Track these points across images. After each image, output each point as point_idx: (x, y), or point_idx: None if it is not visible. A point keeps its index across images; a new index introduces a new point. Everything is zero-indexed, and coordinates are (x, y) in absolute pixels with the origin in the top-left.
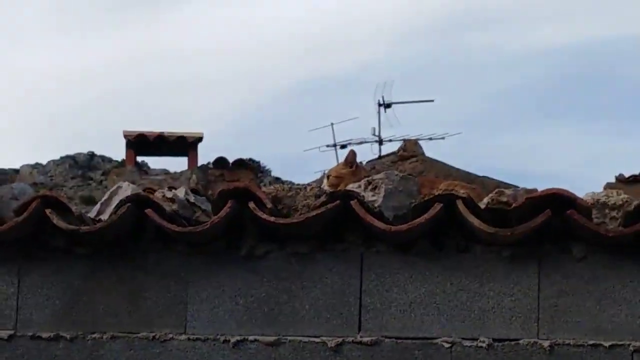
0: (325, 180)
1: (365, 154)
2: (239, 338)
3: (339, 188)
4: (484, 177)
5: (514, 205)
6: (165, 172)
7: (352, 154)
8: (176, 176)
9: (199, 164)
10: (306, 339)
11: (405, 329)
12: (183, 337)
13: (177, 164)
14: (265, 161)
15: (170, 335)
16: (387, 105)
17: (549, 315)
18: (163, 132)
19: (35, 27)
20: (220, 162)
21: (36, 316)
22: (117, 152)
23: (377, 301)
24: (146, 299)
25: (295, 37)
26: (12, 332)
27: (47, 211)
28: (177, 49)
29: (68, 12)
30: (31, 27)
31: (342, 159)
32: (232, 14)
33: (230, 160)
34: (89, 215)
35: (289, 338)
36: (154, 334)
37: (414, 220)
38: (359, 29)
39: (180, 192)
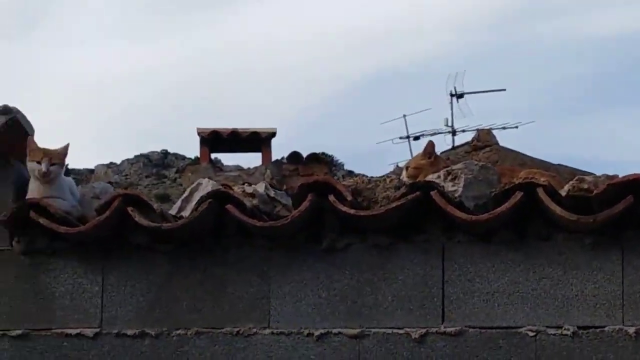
0: (404, 172)
1: (439, 145)
2: (322, 331)
3: (418, 179)
4: (558, 165)
5: (595, 192)
6: (239, 168)
7: (431, 144)
8: (250, 172)
9: (273, 159)
10: (390, 331)
11: (488, 318)
12: (267, 331)
13: (250, 159)
14: (338, 155)
15: (254, 330)
16: (459, 96)
17: (634, 302)
18: (236, 129)
19: (108, 27)
20: (294, 156)
21: (121, 313)
22: (191, 149)
23: (459, 291)
24: (229, 294)
25: (366, 29)
26: (97, 330)
27: (129, 209)
28: (249, 45)
29: (141, 11)
30: (104, 27)
31: (415, 151)
32: (302, 8)
33: (304, 154)
34: (170, 211)
35: (372, 330)
36: (237, 329)
37: (494, 210)
38: (430, 19)
39: (260, 187)
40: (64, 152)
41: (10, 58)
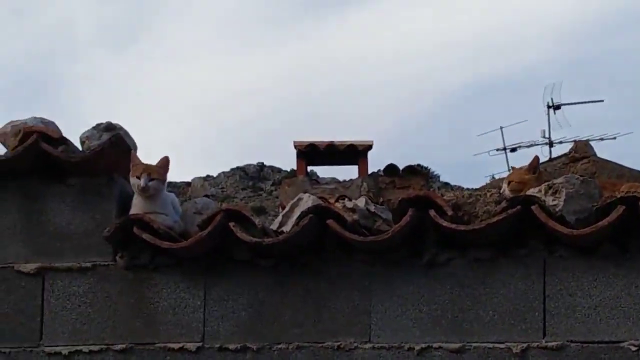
0: (505, 186)
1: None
2: (423, 346)
3: (521, 194)
4: None
5: None
6: (336, 180)
7: (536, 159)
8: (347, 185)
9: (369, 171)
10: (491, 345)
11: (590, 333)
12: (368, 345)
13: (346, 172)
14: (434, 167)
15: (355, 345)
16: (557, 107)
17: None
18: (333, 142)
19: (207, 42)
20: (391, 169)
21: (223, 328)
22: (286, 162)
23: (561, 305)
24: (330, 309)
25: (462, 41)
26: (200, 344)
27: (231, 224)
28: (345, 59)
29: (237, 28)
30: (203, 42)
31: (512, 163)
32: (397, 21)
33: (400, 167)
34: (271, 226)
35: (473, 344)
36: (339, 344)
37: (596, 224)
38: (526, 30)
39: (361, 202)
40: (163, 166)
41: (112, 72)
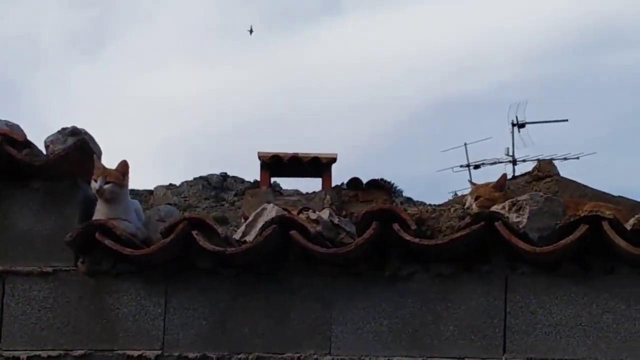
0: (471, 200)
1: (499, 174)
2: (383, 359)
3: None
4: (619, 197)
5: None
6: (299, 192)
7: (504, 177)
8: (310, 197)
9: (333, 184)
10: None
11: (550, 350)
12: (328, 357)
13: (310, 184)
14: (397, 181)
15: (315, 357)
16: (521, 125)
17: None
18: (297, 154)
19: (173, 50)
20: (354, 182)
21: (183, 336)
22: (250, 173)
23: (522, 322)
24: (291, 320)
25: (428, 59)
26: (159, 352)
27: (194, 233)
28: (311, 73)
29: (205, 37)
30: (169, 50)
31: (475, 180)
32: (366, 37)
33: (364, 180)
34: (234, 236)
35: (433, 359)
36: (299, 355)
37: (559, 242)
38: (493, 50)
39: (325, 214)
40: (121, 170)
41: (78, 79)
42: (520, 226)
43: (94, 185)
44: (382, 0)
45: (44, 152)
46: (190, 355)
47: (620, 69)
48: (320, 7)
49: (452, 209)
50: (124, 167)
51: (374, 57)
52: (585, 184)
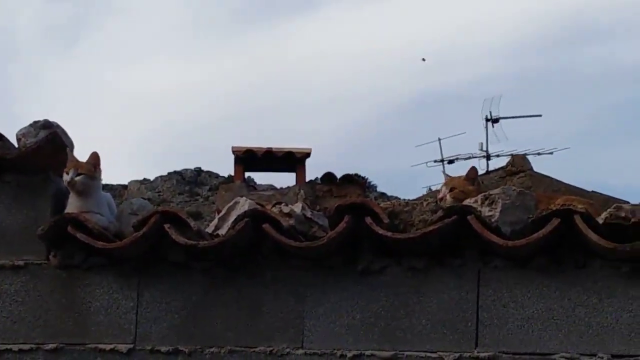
0: (445, 191)
1: None
2: (355, 353)
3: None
4: (592, 192)
5: (632, 220)
6: (273, 187)
7: (474, 171)
8: (284, 191)
9: (307, 179)
10: (423, 354)
11: (522, 344)
12: (300, 351)
13: (284, 179)
14: (371, 176)
15: (288, 350)
16: (495, 120)
17: None
18: (271, 148)
19: (147, 45)
20: (328, 177)
21: (155, 330)
22: (224, 168)
23: (494, 316)
24: (264, 314)
25: (404, 55)
26: (131, 346)
27: (166, 226)
28: (286, 66)
29: (179, 30)
30: (143, 45)
31: (449, 174)
32: (340, 31)
33: (338, 175)
34: (206, 229)
35: (405, 353)
36: (271, 349)
37: (531, 235)
38: (467, 45)
39: (297, 207)
40: (91, 162)
41: (52, 72)
42: (493, 220)
43: (66, 177)
44: None
45: (16, 145)
46: (163, 349)
47: (594, 64)
48: (296, 2)
49: (425, 203)
50: (95, 158)
51: (349, 52)
52: (559, 179)
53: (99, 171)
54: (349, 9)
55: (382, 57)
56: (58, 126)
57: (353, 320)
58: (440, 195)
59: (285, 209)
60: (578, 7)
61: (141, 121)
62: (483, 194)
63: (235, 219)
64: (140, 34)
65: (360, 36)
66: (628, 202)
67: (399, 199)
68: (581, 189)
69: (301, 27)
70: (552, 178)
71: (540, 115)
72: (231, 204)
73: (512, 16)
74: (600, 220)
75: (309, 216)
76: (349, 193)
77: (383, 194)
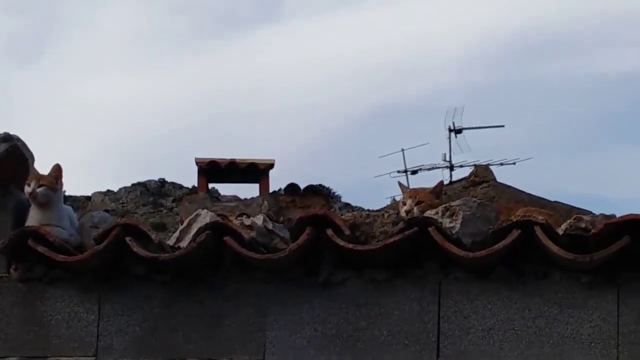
0: (411, 203)
1: (436, 180)
2: None
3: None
4: (555, 202)
5: (592, 231)
6: (237, 198)
7: (441, 184)
8: (248, 202)
9: (271, 190)
10: None
11: (483, 355)
12: None
13: (248, 190)
14: (336, 187)
15: None
16: (458, 131)
17: (629, 342)
18: (235, 159)
19: (111, 57)
20: (292, 188)
21: (116, 343)
22: (188, 179)
23: (455, 327)
24: (225, 326)
25: (367, 66)
26: (92, 358)
27: (127, 239)
28: (249, 78)
29: (143, 43)
30: (107, 57)
31: (413, 185)
32: (304, 43)
33: (302, 186)
34: (167, 242)
35: None
36: None
37: (492, 247)
38: (430, 56)
39: (259, 220)
40: (53, 174)
41: (14, 85)
42: (454, 231)
43: (27, 189)
44: (320, 6)
45: None
46: None
47: (557, 76)
48: (258, 13)
49: (386, 215)
50: (57, 171)
51: (312, 63)
52: (522, 189)
53: (61, 183)
54: (312, 20)
55: (346, 68)
56: (18, 139)
57: (314, 332)
58: (406, 208)
59: (247, 221)
60: (542, 21)
61: (105, 133)
62: (444, 205)
63: (197, 231)
64: (103, 46)
65: (324, 47)
66: (590, 212)
67: (363, 209)
68: (544, 199)
69: (265, 38)
70: (515, 188)
71: (503, 126)
72: (192, 216)
73: (477, 28)
74: (560, 231)
75: (271, 228)
76: (312, 204)
77: (347, 204)
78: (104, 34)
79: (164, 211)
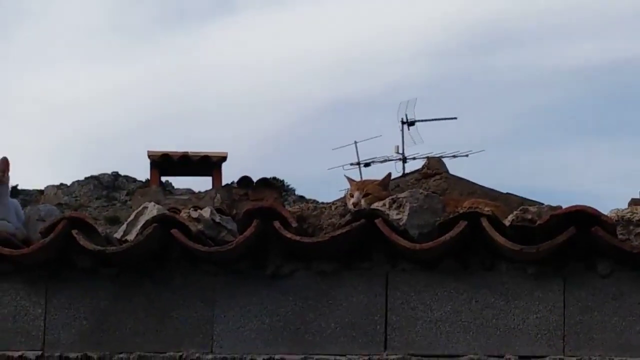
0: (359, 195)
1: (389, 172)
2: (265, 357)
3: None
4: (507, 194)
5: (538, 222)
6: (190, 191)
7: (389, 176)
8: (201, 196)
9: (223, 183)
10: (332, 357)
11: (431, 346)
12: (210, 356)
13: (201, 183)
14: (289, 180)
15: (197, 355)
16: (411, 123)
17: (575, 332)
18: (187, 152)
19: (61, 49)
20: (245, 181)
21: (63, 336)
22: (141, 172)
23: (402, 319)
24: (173, 319)
25: (321, 60)
26: (39, 352)
27: (74, 232)
28: (202, 70)
29: (93, 35)
30: (57, 49)
31: (366, 177)
32: (256, 37)
33: (255, 179)
34: (115, 235)
35: (315, 356)
36: (180, 354)
37: (439, 238)
38: (385, 51)
39: (206, 212)
40: (1, 167)
41: None
42: (401, 223)
43: None
44: (275, 0)
45: None
46: (72, 355)
47: (509, 69)
48: (212, 7)
49: (334, 207)
50: (3, 164)
51: (267, 56)
52: (474, 181)
53: (8, 177)
54: (265, 15)
55: (300, 62)
56: None
57: (262, 324)
58: (353, 200)
59: (194, 214)
60: (495, 13)
61: (57, 126)
62: (391, 197)
63: (144, 224)
64: (55, 39)
65: (277, 41)
66: (542, 204)
67: (317, 201)
68: (496, 191)
69: (217, 33)
70: (467, 180)
71: (455, 118)
72: (139, 209)
73: (430, 21)
74: (506, 222)
75: (218, 221)
76: (265, 197)
77: (301, 197)
78: (56, 27)
79: (118, 204)
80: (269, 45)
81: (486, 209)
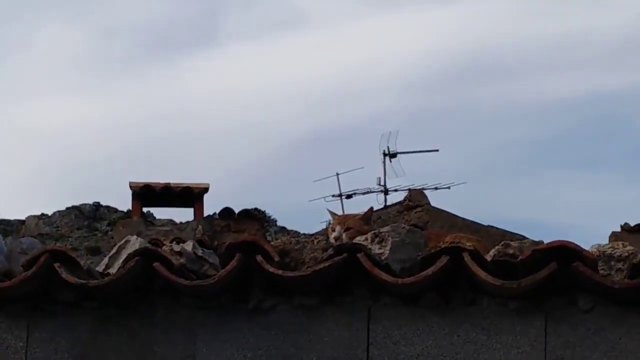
0: (340, 230)
1: (371, 204)
2: None
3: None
4: (489, 226)
5: (520, 257)
6: (172, 222)
7: (371, 210)
8: (182, 227)
9: (205, 214)
10: None
11: None
12: None
13: (183, 214)
14: (271, 211)
15: None
16: (393, 155)
17: None
18: (169, 183)
19: (44, 80)
20: (226, 212)
21: None
22: (123, 202)
23: (384, 354)
24: (155, 353)
25: (302, 90)
26: None
27: (56, 265)
28: (184, 102)
29: (76, 66)
30: (40, 80)
31: (348, 209)
32: (238, 68)
33: (236, 210)
34: (97, 268)
35: None
36: None
37: (421, 273)
38: (366, 82)
39: (188, 246)
40: None
41: None
42: (383, 257)
43: None
44: (257, 31)
45: None
46: None
47: (492, 100)
48: (195, 38)
49: (316, 241)
50: None
51: (248, 88)
52: (456, 213)
53: None
54: (248, 45)
55: (282, 92)
56: None
57: (244, 358)
58: (335, 234)
59: (177, 247)
60: (479, 45)
61: (39, 156)
62: (373, 231)
63: (126, 257)
64: (37, 70)
65: (260, 73)
66: (523, 236)
67: (299, 233)
68: (478, 223)
69: (200, 63)
70: (449, 212)
71: (437, 150)
72: (122, 242)
73: (411, 53)
74: (488, 257)
75: (200, 254)
76: (247, 228)
77: (283, 228)
78: (38, 57)
79: (99, 235)
80: (251, 76)
81: (468, 243)
